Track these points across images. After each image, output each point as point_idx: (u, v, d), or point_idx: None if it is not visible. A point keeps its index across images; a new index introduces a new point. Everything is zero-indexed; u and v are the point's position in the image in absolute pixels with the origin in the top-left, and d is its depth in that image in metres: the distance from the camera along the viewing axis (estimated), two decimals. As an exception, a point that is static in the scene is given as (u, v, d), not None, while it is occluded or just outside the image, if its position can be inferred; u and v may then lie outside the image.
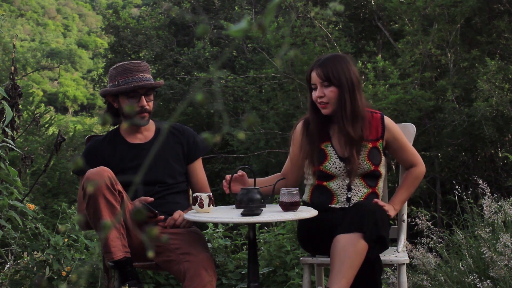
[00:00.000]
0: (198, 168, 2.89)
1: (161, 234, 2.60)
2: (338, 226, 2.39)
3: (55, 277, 3.46)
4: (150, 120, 2.85)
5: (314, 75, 2.59)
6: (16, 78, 3.79)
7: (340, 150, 2.61)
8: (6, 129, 3.24)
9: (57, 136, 3.87)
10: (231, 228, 4.34)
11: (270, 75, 11.85)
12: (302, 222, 2.64)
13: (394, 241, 2.75)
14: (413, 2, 10.59)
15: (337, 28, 12.44)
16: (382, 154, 2.64)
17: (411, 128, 2.82)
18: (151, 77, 2.80)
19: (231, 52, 14.18)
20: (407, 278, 2.90)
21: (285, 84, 12.13)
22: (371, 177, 2.62)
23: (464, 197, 3.48)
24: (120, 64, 2.80)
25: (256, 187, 2.46)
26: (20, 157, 3.88)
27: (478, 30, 10.97)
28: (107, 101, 2.83)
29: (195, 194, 2.51)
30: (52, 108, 29.89)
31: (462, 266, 3.12)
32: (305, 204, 2.65)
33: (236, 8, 15.85)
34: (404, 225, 2.78)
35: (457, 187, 3.61)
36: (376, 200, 2.55)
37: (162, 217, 2.64)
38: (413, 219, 3.31)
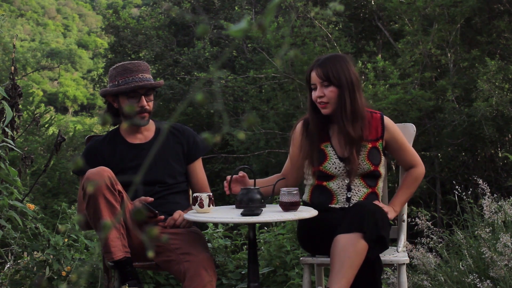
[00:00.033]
0: (198, 168, 2.89)
1: (161, 234, 2.60)
2: (338, 226, 2.39)
3: (55, 277, 3.46)
4: (150, 120, 2.85)
5: (313, 75, 2.59)
6: (16, 78, 3.79)
7: (339, 150, 2.61)
8: (6, 129, 3.24)
9: (57, 136, 3.87)
10: (231, 228, 4.34)
11: (270, 75, 11.86)
12: (302, 222, 2.64)
13: (394, 241, 2.75)
14: (413, 2, 10.59)
15: (337, 28, 12.44)
16: (382, 154, 2.64)
17: (411, 128, 2.82)
18: (151, 77, 2.80)
19: (231, 52, 14.18)
20: (407, 278, 2.90)
21: (285, 84, 12.13)
22: (370, 177, 2.62)
23: (464, 197, 3.48)
24: (120, 64, 2.79)
25: (256, 187, 2.46)
26: (20, 157, 3.88)
27: (478, 30, 10.97)
28: (107, 101, 2.83)
29: (195, 194, 2.51)
30: (52, 108, 29.90)
31: (462, 266, 3.12)
32: (305, 204, 2.65)
33: (236, 8, 15.85)
34: (404, 225, 2.78)
35: (457, 187, 3.61)
36: (376, 202, 2.55)
37: (162, 217, 2.64)
38: (413, 219, 3.31)
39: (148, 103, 2.76)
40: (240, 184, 2.64)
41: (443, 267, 3.25)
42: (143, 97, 2.73)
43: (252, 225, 2.50)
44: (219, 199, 8.44)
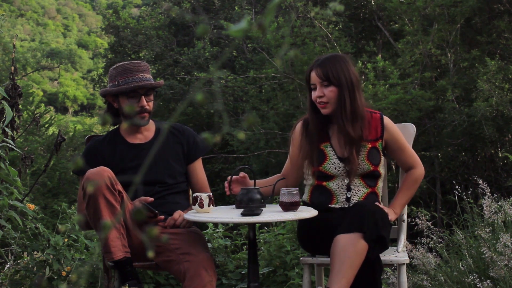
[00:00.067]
0: (198, 168, 2.89)
1: (161, 234, 2.60)
2: (338, 226, 2.39)
3: (55, 277, 3.46)
4: (150, 120, 2.85)
5: (313, 75, 2.59)
6: (16, 78, 3.79)
7: (339, 151, 2.61)
8: (6, 129, 3.24)
9: (57, 136, 3.87)
10: (231, 228, 4.34)
11: (270, 75, 11.86)
12: (302, 222, 2.64)
13: (394, 241, 2.75)
14: (413, 2, 10.59)
15: (337, 28, 12.44)
16: (382, 154, 2.64)
17: (411, 128, 2.82)
18: (151, 77, 2.80)
19: (231, 52, 14.18)
20: (407, 278, 2.90)
21: (285, 84, 12.13)
22: (370, 177, 2.62)
23: (464, 197, 3.48)
24: (120, 64, 2.79)
25: (256, 187, 2.46)
26: (20, 157, 3.88)
27: (478, 30, 10.97)
28: (107, 101, 2.83)
29: (195, 194, 2.51)
30: (52, 108, 29.90)
31: (462, 266, 3.12)
32: (305, 204, 2.65)
33: (236, 8, 15.85)
34: (404, 225, 2.78)
35: (457, 187, 3.61)
36: (377, 203, 2.55)
37: (162, 217, 2.64)
38: (413, 219, 3.31)
39: (148, 103, 2.76)
40: (241, 185, 2.64)
41: (443, 267, 3.25)
42: (143, 97, 2.73)
43: (252, 225, 2.50)
44: (219, 199, 8.44)
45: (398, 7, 10.85)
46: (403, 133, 2.72)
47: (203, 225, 3.86)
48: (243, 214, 2.33)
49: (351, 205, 2.57)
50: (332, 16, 11.68)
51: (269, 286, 3.66)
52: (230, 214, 2.39)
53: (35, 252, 3.60)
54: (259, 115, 12.27)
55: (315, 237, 2.57)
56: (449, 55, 10.71)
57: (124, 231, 2.55)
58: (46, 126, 14.52)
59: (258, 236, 3.88)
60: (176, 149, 2.83)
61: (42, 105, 21.45)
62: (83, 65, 61.28)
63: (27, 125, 6.55)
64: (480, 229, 3.03)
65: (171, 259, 2.54)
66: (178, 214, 2.68)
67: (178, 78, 15.08)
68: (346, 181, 2.60)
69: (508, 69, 9.88)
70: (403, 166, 2.70)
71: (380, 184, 2.67)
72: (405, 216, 2.78)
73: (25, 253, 3.72)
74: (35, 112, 13.29)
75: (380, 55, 12.10)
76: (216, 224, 3.96)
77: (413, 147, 2.76)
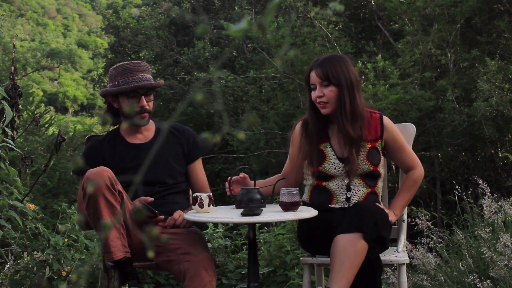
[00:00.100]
0: (198, 168, 2.89)
1: (161, 234, 2.59)
2: (338, 226, 2.39)
3: (55, 277, 3.46)
4: (150, 120, 2.85)
5: (313, 75, 2.59)
6: (16, 78, 3.79)
7: (339, 151, 2.61)
8: (6, 129, 3.24)
9: (57, 136, 3.87)
10: (231, 228, 4.34)
11: (270, 75, 11.86)
12: (302, 222, 2.64)
13: (394, 241, 2.75)
14: (413, 2, 10.59)
15: (337, 28, 12.44)
16: (381, 154, 2.64)
17: (411, 128, 2.82)
18: (151, 77, 2.80)
19: (231, 52, 14.18)
20: (407, 278, 2.90)
21: (285, 84, 12.13)
22: (370, 177, 2.62)
23: (464, 197, 3.48)
24: (120, 64, 2.79)
25: (256, 187, 2.46)
26: (20, 157, 3.88)
27: (478, 30, 10.97)
28: (107, 101, 2.83)
29: (195, 194, 2.51)
30: (52, 108, 29.90)
31: (462, 266, 3.12)
32: (305, 204, 2.65)
33: (236, 8, 15.85)
34: (404, 225, 2.78)
35: (457, 187, 3.61)
36: (377, 203, 2.55)
37: (162, 217, 2.64)
38: (413, 219, 3.31)
39: (148, 103, 2.76)
40: (241, 185, 2.64)
41: (443, 267, 3.25)
42: (143, 97, 2.73)
43: (252, 225, 2.50)
44: (219, 199, 8.44)
45: (398, 7, 10.85)
46: (403, 133, 2.72)
47: (203, 225, 3.86)
48: (243, 214, 2.33)
49: (351, 205, 2.57)
50: (332, 16, 11.68)
51: (269, 286, 3.66)
52: (230, 214, 2.39)
53: (35, 252, 3.60)
54: (259, 115, 12.27)
55: (315, 237, 2.57)
56: (449, 55, 10.71)
57: (124, 231, 2.55)
58: (46, 126, 14.53)
59: (258, 236, 3.88)
60: (176, 149, 2.83)
61: (42, 105, 21.45)
62: (83, 65, 61.28)
63: (27, 125, 6.55)
64: (480, 229, 3.03)
65: (171, 259, 2.54)
66: (178, 214, 2.68)
67: (178, 78, 15.08)
68: (345, 181, 2.60)
69: (508, 69, 9.88)
70: (403, 167, 2.70)
71: (380, 184, 2.67)
72: (405, 216, 2.78)
73: (25, 253, 3.72)
74: (35, 112, 13.29)
75: (380, 55, 12.10)
76: (216, 224, 3.96)
77: (413, 147, 2.76)
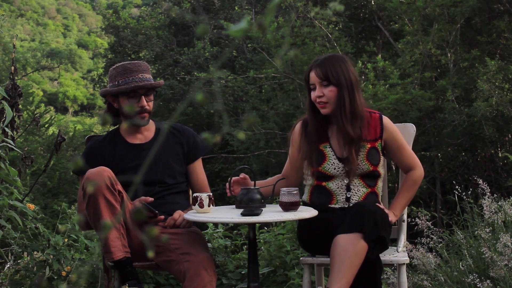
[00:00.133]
0: (198, 168, 2.89)
1: (161, 234, 2.60)
2: (338, 226, 2.39)
3: (55, 277, 3.46)
4: (150, 120, 2.85)
5: (313, 75, 2.59)
6: (16, 78, 3.79)
7: (338, 151, 2.61)
8: (6, 129, 3.24)
9: (57, 136, 3.87)
10: (231, 228, 4.34)
11: (270, 75, 11.86)
12: (302, 222, 2.64)
13: (394, 241, 2.75)
14: (413, 2, 10.59)
15: (337, 28, 12.44)
16: (381, 154, 2.64)
17: (411, 128, 2.82)
18: (151, 77, 2.80)
19: (231, 52, 14.18)
20: (407, 278, 2.90)
21: (285, 84, 12.13)
22: (370, 177, 2.62)
23: (464, 197, 3.48)
24: (120, 64, 2.79)
25: (256, 187, 2.46)
26: (20, 157, 3.88)
27: (478, 30, 10.97)
28: (107, 101, 2.83)
29: (195, 194, 2.51)
30: (52, 108, 29.90)
31: (462, 266, 3.12)
32: (305, 204, 2.65)
33: (236, 8, 15.85)
34: (404, 225, 2.78)
35: (457, 187, 3.61)
36: (377, 204, 2.55)
37: (162, 217, 2.64)
38: (413, 219, 3.31)
39: (148, 103, 2.76)
40: (241, 186, 2.64)
41: (443, 267, 3.25)
42: (143, 97, 2.73)
43: (252, 225, 2.50)
44: (219, 199, 8.44)
45: (398, 7, 10.85)
46: (403, 133, 2.72)
47: (203, 225, 3.86)
48: (243, 214, 2.33)
49: (351, 205, 2.57)
50: (332, 16, 11.68)
51: (269, 286, 3.66)
52: (230, 214, 2.39)
53: (35, 252, 3.60)
54: (259, 115, 12.27)
55: (315, 237, 2.57)
56: (449, 55, 10.71)
57: (124, 231, 2.55)
58: (46, 126, 14.53)
59: (258, 236, 3.88)
60: (176, 149, 2.83)
61: (42, 105, 21.45)
62: (83, 65, 61.29)
63: (27, 125, 6.55)
64: (480, 229, 3.03)
65: (171, 259, 2.54)
66: (178, 214, 2.68)
67: (178, 78, 15.08)
68: (345, 181, 2.60)
69: (508, 69, 9.88)
70: (403, 167, 2.70)
71: (380, 184, 2.67)
72: (405, 216, 2.78)
73: (25, 253, 3.72)
74: (35, 112, 13.29)
75: (380, 55, 12.10)
76: (216, 224, 3.96)
77: (413, 147, 2.76)
